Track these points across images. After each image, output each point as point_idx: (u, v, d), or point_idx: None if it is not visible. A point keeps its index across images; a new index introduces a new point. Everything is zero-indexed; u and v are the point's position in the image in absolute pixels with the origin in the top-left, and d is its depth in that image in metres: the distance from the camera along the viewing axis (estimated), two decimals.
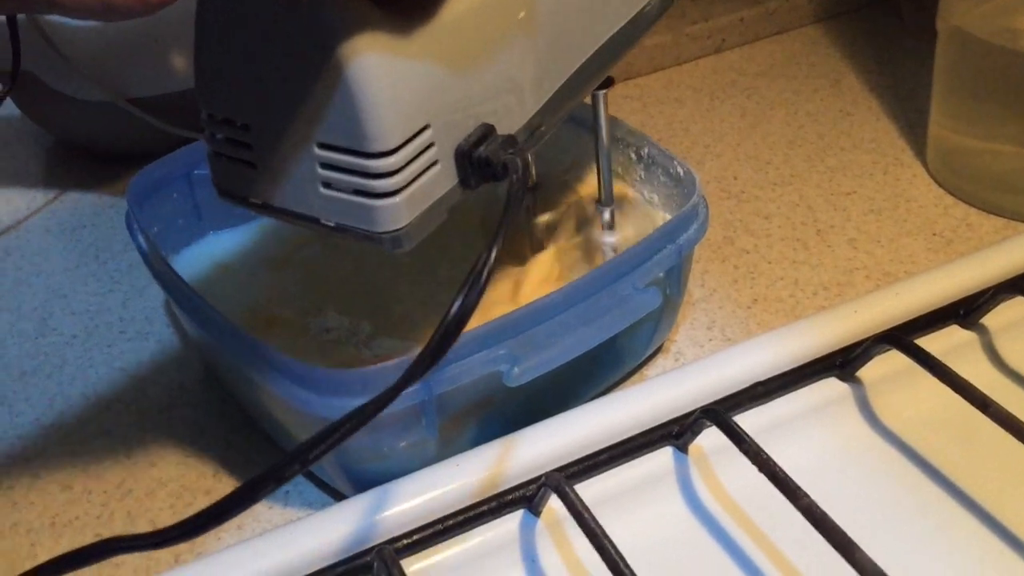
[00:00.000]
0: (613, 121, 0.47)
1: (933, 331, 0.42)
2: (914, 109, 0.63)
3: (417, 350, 0.28)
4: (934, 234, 0.53)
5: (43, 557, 0.38)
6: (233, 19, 0.29)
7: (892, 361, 0.40)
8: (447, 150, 0.30)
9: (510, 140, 0.31)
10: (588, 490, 0.37)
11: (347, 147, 0.28)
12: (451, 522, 0.36)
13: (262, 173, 0.31)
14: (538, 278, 0.44)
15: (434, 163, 0.30)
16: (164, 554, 0.38)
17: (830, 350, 0.41)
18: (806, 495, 0.33)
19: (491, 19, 0.31)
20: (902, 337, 0.40)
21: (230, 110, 0.30)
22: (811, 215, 0.55)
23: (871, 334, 0.41)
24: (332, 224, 0.30)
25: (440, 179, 0.30)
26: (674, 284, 0.42)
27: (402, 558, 0.34)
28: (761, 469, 0.34)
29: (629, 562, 0.32)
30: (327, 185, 0.30)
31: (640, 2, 0.38)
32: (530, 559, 0.36)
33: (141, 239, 0.42)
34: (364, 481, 0.37)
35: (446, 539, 0.36)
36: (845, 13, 0.76)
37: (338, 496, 0.40)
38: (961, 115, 0.55)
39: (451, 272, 0.46)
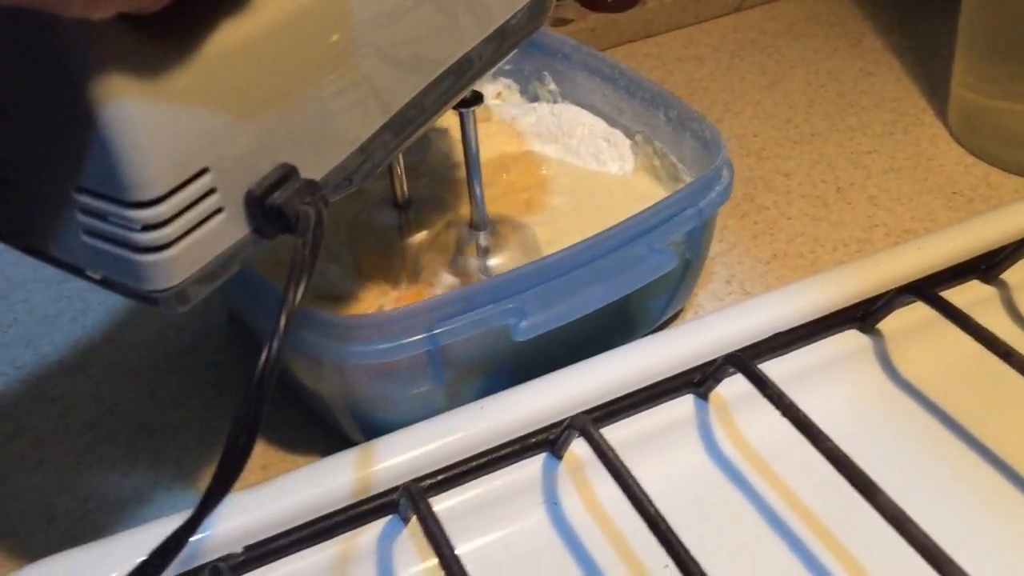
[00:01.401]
0: (642, 79, 0.47)
1: (954, 285, 0.42)
2: (936, 69, 0.63)
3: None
4: (954, 192, 0.53)
5: (69, 495, 0.39)
6: None
7: (912, 314, 0.41)
8: (235, 195, 0.25)
9: (310, 186, 0.26)
10: (611, 434, 0.37)
11: (107, 194, 0.24)
12: (475, 463, 0.36)
13: (25, 215, 0.26)
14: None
15: (217, 211, 0.25)
16: (191, 492, 0.39)
17: (851, 302, 0.41)
18: (828, 439, 0.33)
19: (289, 45, 0.26)
20: (925, 289, 0.40)
21: None
22: (831, 173, 0.55)
23: (892, 287, 0.41)
24: (99, 277, 0.26)
25: (226, 229, 0.26)
26: (695, 248, 0.42)
27: (428, 496, 0.34)
28: (784, 413, 0.35)
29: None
30: (90, 234, 0.25)
31: (499, 18, 0.32)
32: (552, 502, 0.37)
33: None
34: (375, 430, 0.37)
35: (470, 479, 0.36)
36: None
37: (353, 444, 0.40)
38: (984, 74, 0.54)
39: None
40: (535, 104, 0.52)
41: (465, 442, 0.36)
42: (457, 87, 0.31)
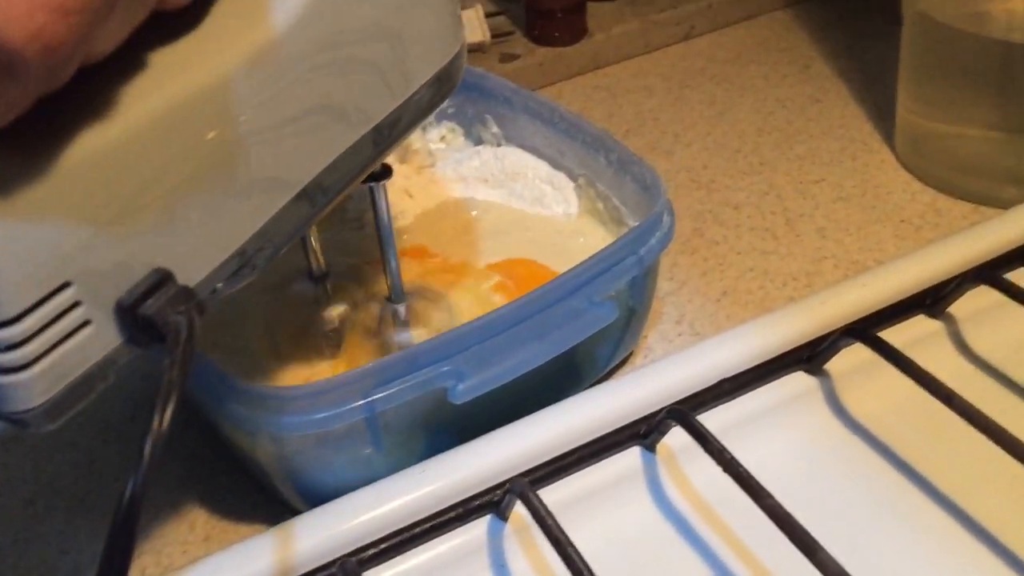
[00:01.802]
0: (583, 121, 0.47)
1: (900, 321, 0.42)
2: (883, 94, 0.63)
3: None
4: (902, 221, 0.52)
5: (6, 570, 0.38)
6: None
7: (859, 354, 0.40)
8: (103, 306, 0.24)
9: (184, 293, 0.25)
10: (556, 493, 0.36)
11: None
12: (418, 529, 0.35)
13: None
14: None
15: (84, 323, 0.24)
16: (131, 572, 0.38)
17: (797, 344, 0.41)
18: (769, 495, 0.33)
19: (157, 148, 0.24)
20: (866, 330, 0.40)
21: None
22: (780, 204, 0.55)
23: (838, 327, 0.41)
24: None
25: (95, 340, 0.24)
26: (638, 296, 0.41)
27: (366, 569, 0.34)
28: (726, 469, 0.34)
29: (596, 567, 0.31)
30: None
31: (396, 99, 0.30)
32: (499, 564, 0.36)
33: None
34: (316, 497, 0.36)
35: (413, 547, 0.35)
36: None
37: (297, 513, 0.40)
38: (928, 99, 0.54)
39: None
40: (479, 148, 0.52)
41: (405, 509, 0.35)
42: (359, 163, 0.30)
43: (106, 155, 0.23)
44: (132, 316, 0.25)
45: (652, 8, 0.71)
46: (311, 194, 0.29)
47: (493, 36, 0.67)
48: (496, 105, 0.51)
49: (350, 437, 0.36)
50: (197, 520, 0.40)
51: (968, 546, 0.35)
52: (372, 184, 0.36)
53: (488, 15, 0.67)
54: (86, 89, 0.23)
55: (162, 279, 0.25)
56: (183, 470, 0.42)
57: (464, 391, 0.35)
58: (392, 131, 0.30)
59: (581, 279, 0.38)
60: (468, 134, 0.53)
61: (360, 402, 0.35)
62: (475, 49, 0.67)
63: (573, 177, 0.48)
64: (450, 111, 0.53)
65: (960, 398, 0.35)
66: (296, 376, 0.40)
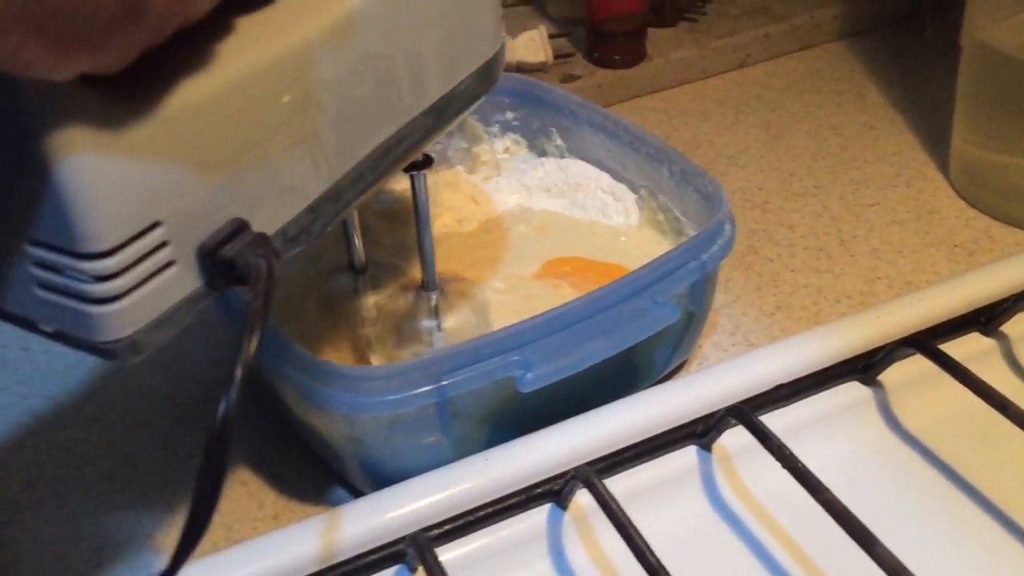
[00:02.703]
0: (646, 134, 0.48)
1: (954, 337, 0.43)
2: (937, 124, 0.64)
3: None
4: (955, 245, 0.53)
5: (86, 544, 0.40)
6: None
7: (913, 366, 0.41)
8: (187, 249, 0.26)
9: (261, 239, 0.27)
10: (614, 486, 0.38)
11: (60, 246, 0.24)
12: (481, 513, 0.37)
13: None
14: None
15: (169, 263, 0.26)
16: (202, 543, 0.39)
17: (852, 354, 0.42)
18: (827, 489, 0.34)
19: (243, 106, 0.27)
20: (925, 341, 0.41)
21: None
22: (834, 225, 0.56)
23: (893, 339, 0.42)
24: (51, 330, 0.26)
25: (178, 281, 0.26)
26: (697, 301, 0.43)
27: (435, 546, 0.35)
28: (784, 465, 0.35)
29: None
30: (43, 286, 0.25)
31: (446, 84, 0.33)
32: (557, 552, 0.37)
33: None
34: (383, 480, 0.38)
35: (476, 530, 0.37)
36: (869, 30, 0.77)
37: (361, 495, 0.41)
38: (984, 129, 0.55)
39: None
40: (543, 159, 0.54)
41: (471, 493, 0.37)
42: (404, 151, 0.32)
43: (200, 107, 0.26)
44: (213, 259, 0.26)
45: (710, 36, 0.73)
46: (371, 164, 0.31)
47: (555, 57, 0.69)
48: (560, 118, 0.53)
49: (420, 421, 0.37)
50: (267, 499, 0.41)
51: (1019, 553, 0.36)
52: (413, 172, 0.38)
53: (551, 36, 0.69)
54: (181, 49, 0.25)
55: (239, 227, 0.27)
56: (254, 452, 0.43)
57: (532, 380, 0.37)
58: (440, 116, 0.33)
59: (646, 280, 0.39)
60: (532, 146, 0.55)
61: (431, 386, 0.36)
62: (537, 69, 0.69)
63: (635, 189, 0.50)
64: (515, 123, 0.55)
65: (1015, 406, 0.36)
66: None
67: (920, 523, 0.37)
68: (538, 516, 0.38)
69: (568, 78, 0.69)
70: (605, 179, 0.51)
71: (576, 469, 0.37)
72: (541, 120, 0.54)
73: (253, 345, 0.25)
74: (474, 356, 0.37)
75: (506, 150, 0.55)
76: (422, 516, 0.36)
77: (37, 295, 0.25)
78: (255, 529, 0.40)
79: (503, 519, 0.37)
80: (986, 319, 0.44)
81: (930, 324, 0.43)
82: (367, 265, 0.45)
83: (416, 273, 0.44)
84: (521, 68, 0.68)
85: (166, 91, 0.25)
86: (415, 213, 0.40)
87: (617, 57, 0.69)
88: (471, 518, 0.37)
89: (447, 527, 0.36)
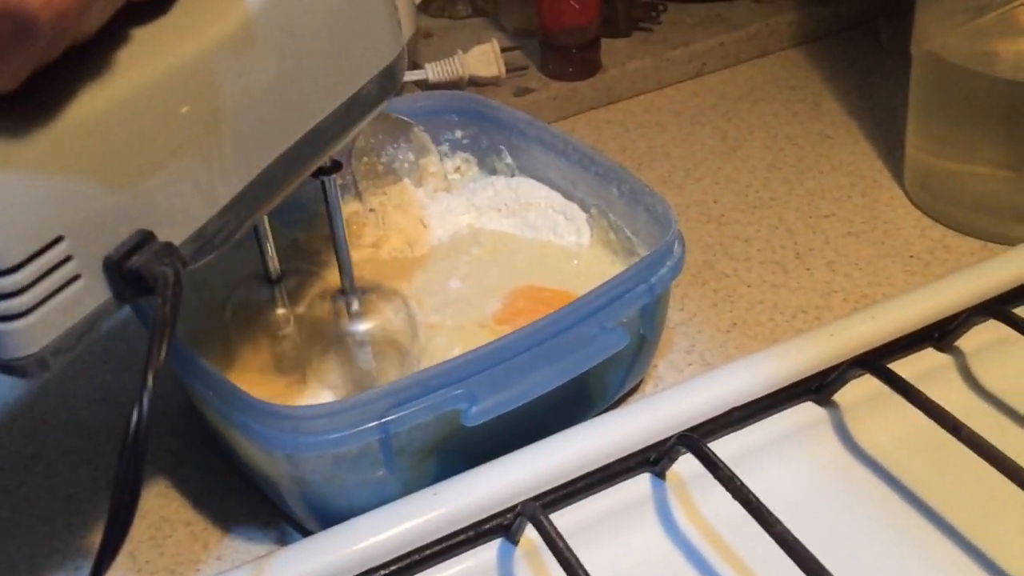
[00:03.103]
0: (595, 153, 0.48)
1: (908, 354, 0.43)
2: (893, 131, 0.63)
3: None
4: (911, 256, 0.53)
5: None
6: None
7: (867, 385, 0.41)
8: (92, 262, 0.26)
9: (167, 249, 0.27)
10: (565, 518, 0.37)
11: None
12: (429, 551, 0.36)
13: None
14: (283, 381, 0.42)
15: (75, 277, 0.26)
16: None
17: (806, 374, 0.41)
18: (779, 521, 0.33)
19: (142, 118, 0.27)
20: (876, 361, 0.40)
21: None
22: (790, 238, 0.55)
23: (847, 358, 0.41)
24: None
25: (85, 294, 0.27)
26: (648, 324, 0.42)
27: None
28: (735, 496, 0.34)
29: None
30: None
31: (348, 89, 0.33)
32: None
33: None
34: (329, 518, 0.37)
35: (424, 569, 0.36)
36: (825, 37, 0.76)
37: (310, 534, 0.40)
38: (937, 138, 0.55)
39: None
40: (492, 178, 0.53)
41: (419, 530, 0.36)
42: (311, 155, 0.33)
43: (95, 121, 0.26)
44: (119, 270, 0.27)
45: (665, 45, 0.72)
46: (278, 170, 0.31)
47: (508, 70, 0.68)
48: (510, 136, 0.52)
49: (364, 458, 0.36)
50: (211, 540, 0.40)
51: None
52: (323, 178, 0.37)
53: (504, 50, 0.68)
54: (76, 63, 0.26)
55: (144, 239, 0.27)
56: (197, 490, 0.42)
57: (477, 414, 0.36)
58: (344, 121, 0.33)
59: (593, 306, 0.39)
60: (482, 164, 0.54)
61: (374, 423, 0.35)
62: (490, 83, 0.68)
63: (586, 208, 0.49)
64: (464, 141, 0.54)
65: (968, 428, 0.36)
66: (260, 378, 0.42)
67: (877, 546, 0.37)
68: (488, 552, 0.37)
69: (522, 91, 0.68)
70: (556, 198, 0.50)
71: (523, 504, 0.36)
72: (490, 138, 0.53)
73: (163, 352, 0.26)
74: (417, 390, 0.36)
75: (456, 169, 0.54)
76: (368, 556, 0.35)
77: None
78: (199, 572, 0.39)
79: (452, 556, 0.36)
80: (940, 335, 0.43)
81: (883, 341, 0.42)
82: (283, 274, 0.44)
83: (334, 280, 0.43)
84: (474, 82, 0.68)
85: (62, 106, 0.25)
86: (329, 218, 0.39)
87: (571, 69, 0.68)
88: (418, 556, 0.36)
89: (393, 567, 0.35)
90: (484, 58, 0.67)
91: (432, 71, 0.66)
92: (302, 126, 0.32)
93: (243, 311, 0.44)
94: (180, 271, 0.27)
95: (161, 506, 0.42)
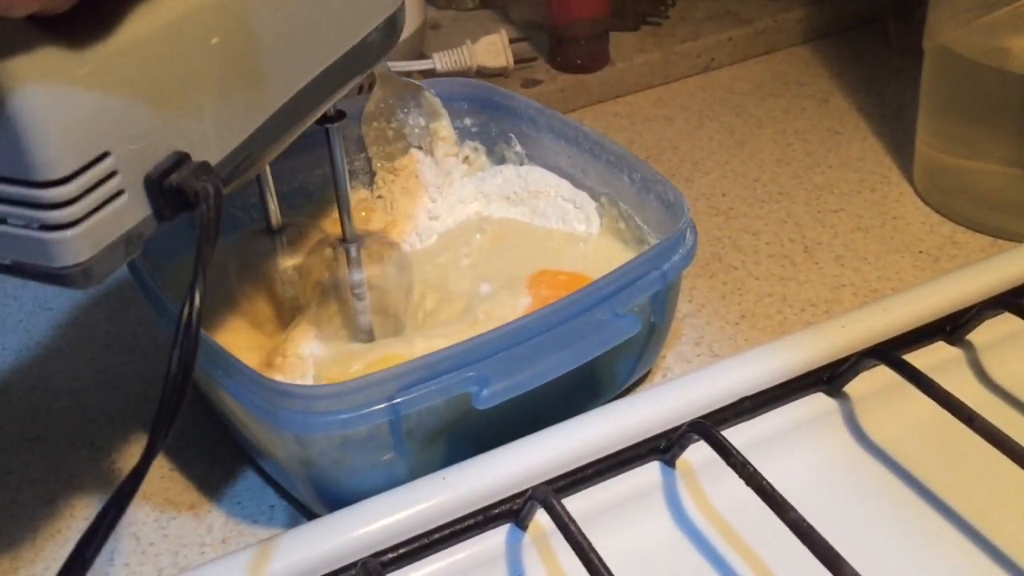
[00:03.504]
0: (606, 141, 0.48)
1: (920, 347, 0.42)
2: (901, 128, 0.63)
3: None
4: (920, 252, 0.53)
5: (24, 573, 0.38)
6: None
7: (878, 376, 0.41)
8: (134, 179, 0.28)
9: (204, 167, 0.29)
10: (575, 504, 0.36)
11: (15, 177, 0.26)
12: (437, 536, 0.35)
13: None
14: (298, 329, 0.43)
15: (119, 192, 0.28)
16: (147, 568, 0.38)
17: (817, 365, 0.41)
18: (793, 508, 0.33)
19: (179, 45, 0.29)
20: (889, 352, 0.40)
21: None
22: (799, 232, 0.55)
23: (858, 349, 0.41)
24: (8, 263, 0.28)
25: (127, 210, 0.28)
26: (659, 312, 0.41)
27: (387, 572, 0.34)
28: (748, 482, 0.34)
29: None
30: None
31: (357, 34, 0.36)
32: (517, 573, 0.36)
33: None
34: (336, 502, 0.36)
35: (432, 553, 0.35)
36: (833, 34, 0.76)
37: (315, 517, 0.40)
38: (947, 134, 0.55)
39: None
40: (501, 166, 0.53)
41: (427, 514, 0.35)
42: (323, 95, 0.35)
43: (140, 44, 0.27)
44: (159, 188, 0.28)
45: (674, 40, 0.72)
46: (296, 104, 0.33)
47: (517, 62, 0.68)
48: (520, 124, 0.52)
49: (373, 440, 0.36)
50: (215, 523, 0.40)
51: (986, 567, 0.35)
52: (328, 125, 0.39)
53: (512, 41, 0.68)
54: None
55: (180, 159, 0.29)
56: (203, 472, 0.42)
57: (488, 397, 0.35)
58: (352, 65, 0.36)
59: (605, 291, 0.38)
60: (491, 153, 0.54)
61: (384, 404, 0.35)
62: (498, 74, 0.68)
63: (596, 196, 0.49)
64: (474, 129, 0.54)
65: (982, 419, 0.35)
66: (261, 329, 0.43)
67: (888, 537, 0.37)
68: (497, 537, 0.37)
69: (529, 83, 0.68)
70: (565, 186, 0.50)
71: (534, 489, 0.36)
72: (500, 126, 0.53)
73: (211, 250, 0.28)
74: (428, 372, 0.35)
75: (465, 158, 0.54)
76: (375, 540, 0.35)
77: None
78: (203, 555, 0.39)
79: (460, 541, 0.36)
80: (951, 328, 0.43)
81: (895, 334, 0.42)
82: (284, 226, 0.45)
83: (333, 231, 0.44)
84: (482, 73, 0.67)
85: (112, 26, 0.27)
86: (331, 166, 0.41)
87: (579, 62, 0.68)
88: (426, 541, 0.35)
89: (401, 551, 0.35)
90: (492, 49, 0.67)
91: (440, 61, 0.66)
92: (317, 66, 0.34)
93: (245, 263, 0.44)
94: (220, 186, 0.29)
95: (166, 488, 0.41)
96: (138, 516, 0.40)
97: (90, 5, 0.26)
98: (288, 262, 0.44)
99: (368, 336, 0.43)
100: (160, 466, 0.42)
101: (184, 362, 0.27)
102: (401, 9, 0.38)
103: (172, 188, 0.28)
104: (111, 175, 0.27)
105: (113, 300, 0.53)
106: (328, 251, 0.43)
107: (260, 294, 0.44)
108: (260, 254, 0.44)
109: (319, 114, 0.36)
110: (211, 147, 0.31)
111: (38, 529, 0.40)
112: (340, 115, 0.39)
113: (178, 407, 0.27)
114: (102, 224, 0.27)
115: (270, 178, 0.42)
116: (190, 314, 0.27)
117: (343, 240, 0.42)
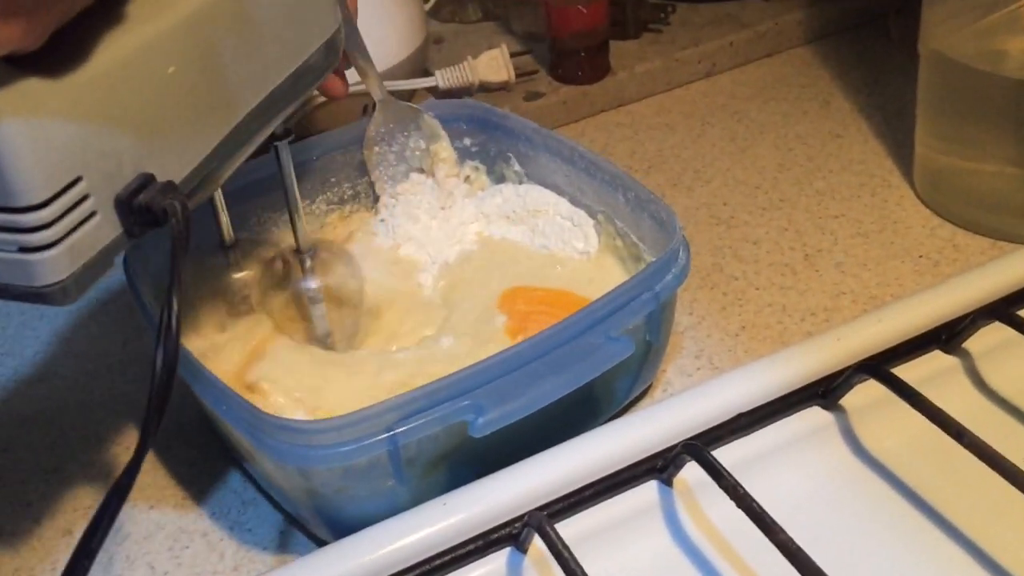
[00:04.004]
0: (601, 160, 0.48)
1: (915, 357, 0.43)
2: (902, 129, 0.63)
3: None
4: (920, 256, 0.53)
5: None
6: None
7: (874, 390, 0.41)
8: (106, 200, 0.30)
9: (169, 186, 0.32)
10: (573, 527, 0.37)
11: None
12: (439, 561, 0.36)
13: None
14: (255, 338, 0.46)
15: (92, 214, 0.30)
16: None
17: (812, 379, 0.41)
18: (782, 530, 0.33)
19: (142, 73, 0.31)
20: (880, 367, 0.40)
21: None
22: (799, 239, 0.55)
23: (853, 362, 0.41)
24: None
25: (100, 229, 0.30)
26: (654, 331, 0.42)
27: None
28: (739, 504, 0.35)
29: None
30: None
31: (300, 56, 0.38)
32: None
33: (137, 285, 0.43)
34: (342, 528, 0.37)
35: None
36: (834, 34, 0.76)
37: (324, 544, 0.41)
38: (946, 136, 0.55)
39: None
40: (501, 186, 0.53)
41: (430, 540, 0.36)
42: (275, 111, 0.38)
43: (111, 71, 0.30)
44: (129, 207, 0.31)
45: (674, 47, 0.72)
46: (248, 124, 0.36)
47: (518, 75, 0.68)
48: (518, 144, 0.52)
49: (374, 469, 0.37)
50: (227, 550, 0.41)
51: None
52: (276, 143, 0.42)
53: (513, 55, 0.68)
54: (91, 19, 0.30)
55: (146, 180, 0.31)
56: (214, 502, 0.43)
57: (484, 425, 0.36)
58: (297, 85, 0.38)
59: (598, 315, 0.39)
60: (491, 172, 0.55)
61: (383, 435, 0.36)
62: (500, 88, 0.68)
63: (593, 214, 0.50)
64: (473, 150, 0.54)
65: (971, 434, 0.36)
66: (219, 339, 0.45)
67: (883, 550, 0.37)
68: (498, 560, 0.37)
69: (532, 96, 0.68)
70: (564, 204, 0.51)
71: (529, 514, 0.36)
72: (499, 146, 0.53)
73: (183, 260, 0.31)
74: (425, 402, 0.36)
75: (466, 178, 0.54)
76: (380, 567, 0.36)
77: None
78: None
79: (462, 565, 0.37)
80: (947, 337, 0.43)
81: (890, 344, 0.42)
82: (237, 241, 0.47)
83: (283, 244, 0.48)
84: (484, 88, 0.68)
85: (77, 60, 0.29)
86: (281, 182, 0.43)
87: (580, 73, 0.69)
88: (427, 567, 0.36)
89: None
90: (493, 64, 0.68)
91: (442, 78, 0.67)
92: (265, 87, 0.37)
93: (201, 277, 0.47)
94: (186, 203, 0.31)
95: (179, 517, 0.43)
96: (152, 545, 0.41)
97: (57, 40, 0.28)
98: (243, 273, 0.47)
99: (326, 340, 0.45)
100: (174, 495, 0.44)
101: (167, 361, 0.30)
102: (339, 31, 0.40)
103: (141, 207, 0.31)
104: (84, 198, 0.29)
105: (127, 329, 0.54)
106: (280, 263, 0.46)
107: (218, 305, 0.47)
108: (215, 267, 0.47)
109: (270, 131, 0.39)
110: (174, 166, 0.33)
111: (57, 560, 0.41)
112: (287, 133, 0.42)
113: (164, 403, 0.30)
114: (78, 244, 0.30)
115: (221, 197, 0.45)
116: (169, 317, 0.30)
117: (297, 251, 0.45)
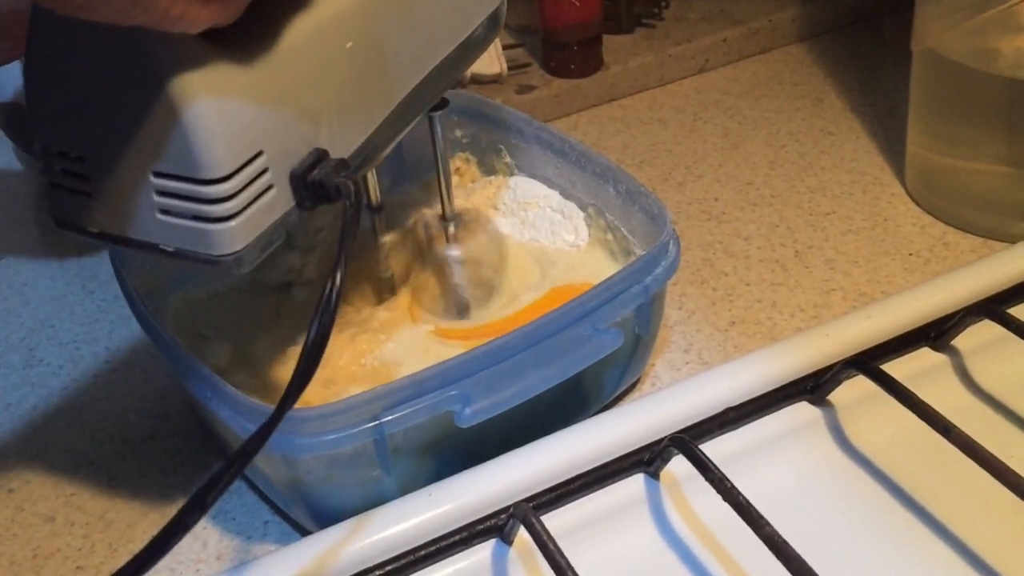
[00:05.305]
0: (592, 153, 0.48)
1: (904, 354, 0.43)
2: (894, 128, 0.63)
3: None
4: (911, 254, 0.53)
5: None
6: (63, 51, 0.29)
7: (862, 385, 0.41)
8: (282, 175, 0.31)
9: (342, 163, 0.33)
10: (559, 519, 0.37)
11: (183, 175, 0.29)
12: (423, 552, 0.36)
13: (99, 203, 0.31)
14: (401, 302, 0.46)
15: (269, 187, 0.31)
16: None
17: (801, 374, 0.41)
18: (768, 524, 0.33)
19: (319, 51, 0.32)
20: (868, 362, 0.40)
21: (64, 143, 0.31)
22: (790, 236, 0.55)
23: (842, 358, 0.41)
24: (171, 250, 0.31)
25: (276, 202, 0.32)
26: (644, 324, 0.42)
27: None
28: (725, 498, 0.35)
29: None
30: (165, 212, 0.30)
31: (465, 30, 0.39)
32: None
33: (123, 275, 0.43)
34: (326, 518, 0.37)
35: (419, 568, 0.36)
36: (828, 32, 0.76)
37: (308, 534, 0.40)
38: (938, 135, 0.55)
39: None
40: (491, 177, 0.53)
41: (415, 530, 0.36)
42: (438, 85, 0.39)
43: (294, 49, 0.31)
44: (303, 182, 0.32)
45: (668, 42, 0.72)
46: (414, 98, 0.37)
47: (510, 68, 0.68)
48: (509, 135, 0.52)
49: (359, 459, 0.37)
50: (210, 539, 0.41)
51: None
52: (433, 114, 0.43)
53: (505, 47, 0.68)
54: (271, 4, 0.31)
55: (320, 156, 0.32)
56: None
57: (471, 415, 0.36)
58: (461, 58, 0.40)
59: (587, 307, 0.39)
60: (482, 163, 0.54)
61: (369, 424, 0.35)
62: (492, 81, 0.68)
63: (583, 207, 0.49)
64: (465, 141, 0.54)
65: (958, 430, 0.36)
66: (364, 302, 0.46)
67: (870, 546, 0.37)
68: (483, 552, 0.37)
69: (524, 89, 0.68)
70: (555, 197, 0.50)
71: (515, 506, 0.36)
72: (490, 137, 0.53)
73: (353, 239, 0.31)
74: (412, 392, 0.36)
75: (456, 169, 0.54)
76: (364, 556, 0.36)
77: (159, 220, 0.31)
78: (198, 571, 0.39)
79: (447, 556, 0.37)
80: (936, 334, 0.43)
81: (879, 341, 0.42)
82: (383, 204, 0.46)
83: (428, 209, 0.48)
84: (476, 80, 0.68)
85: (265, 38, 0.30)
86: (433, 150, 0.44)
87: (573, 66, 0.69)
88: (413, 557, 0.36)
89: (389, 567, 0.36)
90: (486, 56, 0.67)
91: None
92: (431, 61, 0.38)
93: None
94: (359, 182, 0.32)
95: (163, 505, 0.42)
96: (135, 533, 0.41)
97: (247, 16, 0.29)
98: (388, 237, 0.47)
99: (464, 308, 0.45)
100: (157, 483, 0.43)
101: (321, 332, 0.30)
102: (503, 5, 0.41)
103: (315, 183, 0.32)
104: (263, 172, 0.31)
105: (112, 317, 0.54)
106: (426, 228, 0.46)
107: (361, 268, 0.47)
108: (361, 230, 0.46)
109: (431, 105, 0.40)
110: (344, 142, 0.34)
111: (38, 546, 0.41)
112: (443, 103, 0.42)
113: (310, 372, 0.30)
114: (255, 216, 0.31)
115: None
116: (331, 292, 0.30)
117: (442, 218, 0.46)
